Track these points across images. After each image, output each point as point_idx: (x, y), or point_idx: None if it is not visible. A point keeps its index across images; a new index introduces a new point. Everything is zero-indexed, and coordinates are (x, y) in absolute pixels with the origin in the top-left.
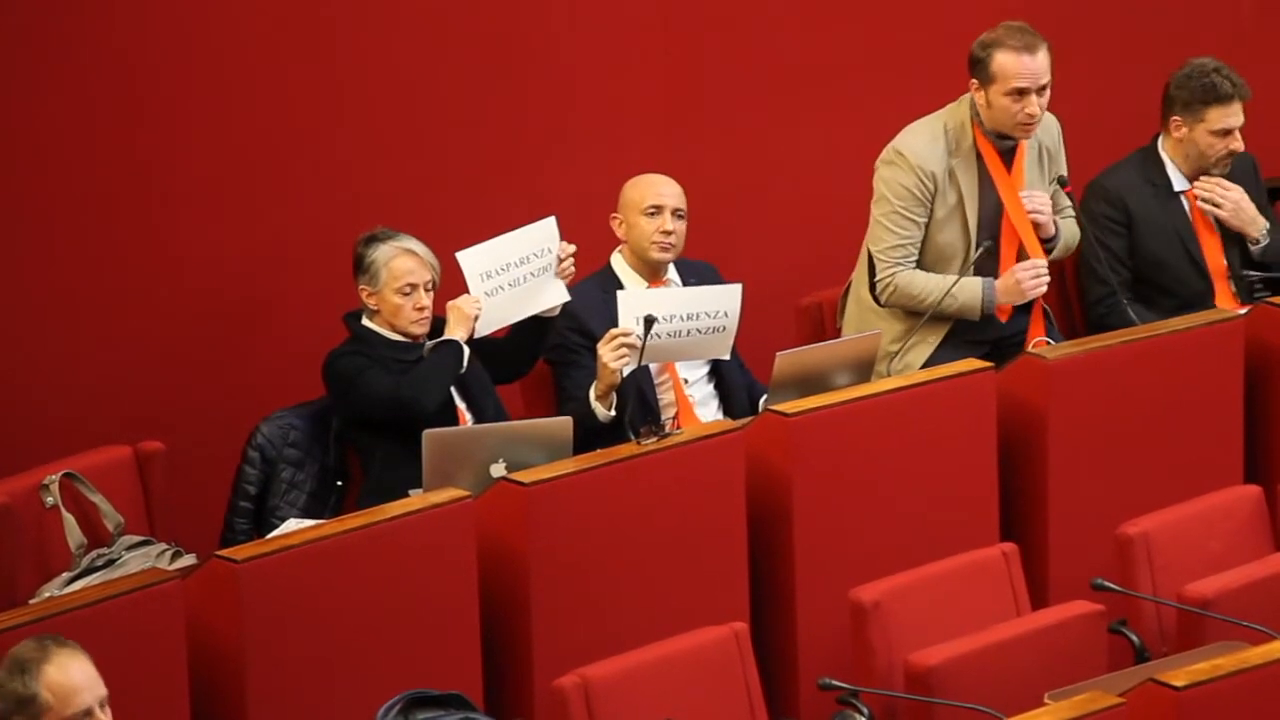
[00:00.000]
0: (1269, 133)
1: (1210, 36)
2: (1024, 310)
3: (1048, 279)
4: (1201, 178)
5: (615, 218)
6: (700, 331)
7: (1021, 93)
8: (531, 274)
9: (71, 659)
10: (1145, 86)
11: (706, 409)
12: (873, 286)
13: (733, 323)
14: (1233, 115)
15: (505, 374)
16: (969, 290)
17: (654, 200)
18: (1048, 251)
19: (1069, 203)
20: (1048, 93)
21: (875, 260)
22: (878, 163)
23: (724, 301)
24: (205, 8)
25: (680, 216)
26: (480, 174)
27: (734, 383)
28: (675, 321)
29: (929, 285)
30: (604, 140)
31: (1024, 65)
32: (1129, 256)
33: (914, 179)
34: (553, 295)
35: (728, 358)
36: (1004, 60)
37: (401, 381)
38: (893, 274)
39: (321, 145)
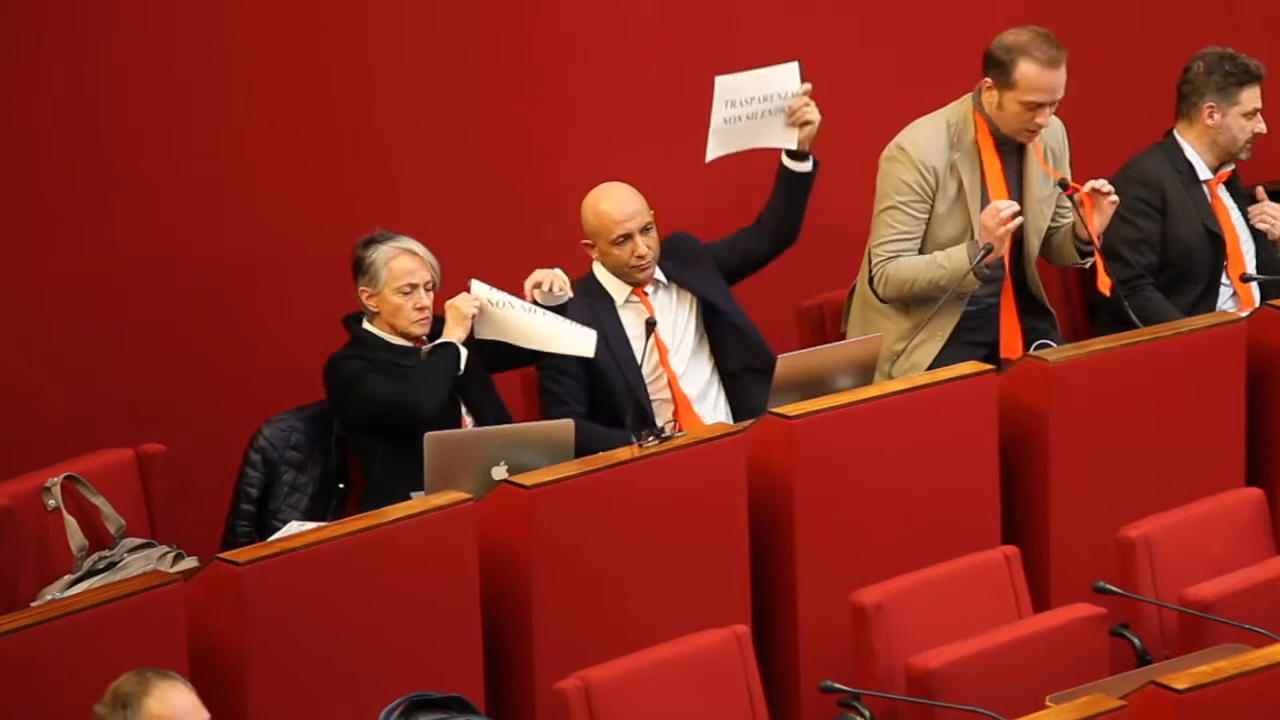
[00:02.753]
0: (1270, 135)
1: (1209, 38)
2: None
3: (1016, 208)
4: (1257, 208)
5: (586, 244)
6: (771, 113)
7: (1039, 106)
8: (557, 312)
9: (172, 689)
10: (1144, 87)
11: (715, 414)
12: (872, 283)
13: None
14: (1259, 96)
15: (502, 365)
16: (956, 256)
17: (620, 231)
18: (1087, 255)
19: (1070, 205)
20: (1058, 104)
21: (871, 256)
22: (881, 160)
23: (786, 82)
24: (204, 12)
25: (648, 229)
26: (482, 176)
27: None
28: (754, 104)
29: (916, 265)
30: (605, 142)
31: (1046, 80)
32: (1160, 242)
33: (915, 174)
34: (578, 344)
35: (794, 146)
36: (1028, 71)
37: (399, 386)
38: (883, 266)
39: (323, 148)
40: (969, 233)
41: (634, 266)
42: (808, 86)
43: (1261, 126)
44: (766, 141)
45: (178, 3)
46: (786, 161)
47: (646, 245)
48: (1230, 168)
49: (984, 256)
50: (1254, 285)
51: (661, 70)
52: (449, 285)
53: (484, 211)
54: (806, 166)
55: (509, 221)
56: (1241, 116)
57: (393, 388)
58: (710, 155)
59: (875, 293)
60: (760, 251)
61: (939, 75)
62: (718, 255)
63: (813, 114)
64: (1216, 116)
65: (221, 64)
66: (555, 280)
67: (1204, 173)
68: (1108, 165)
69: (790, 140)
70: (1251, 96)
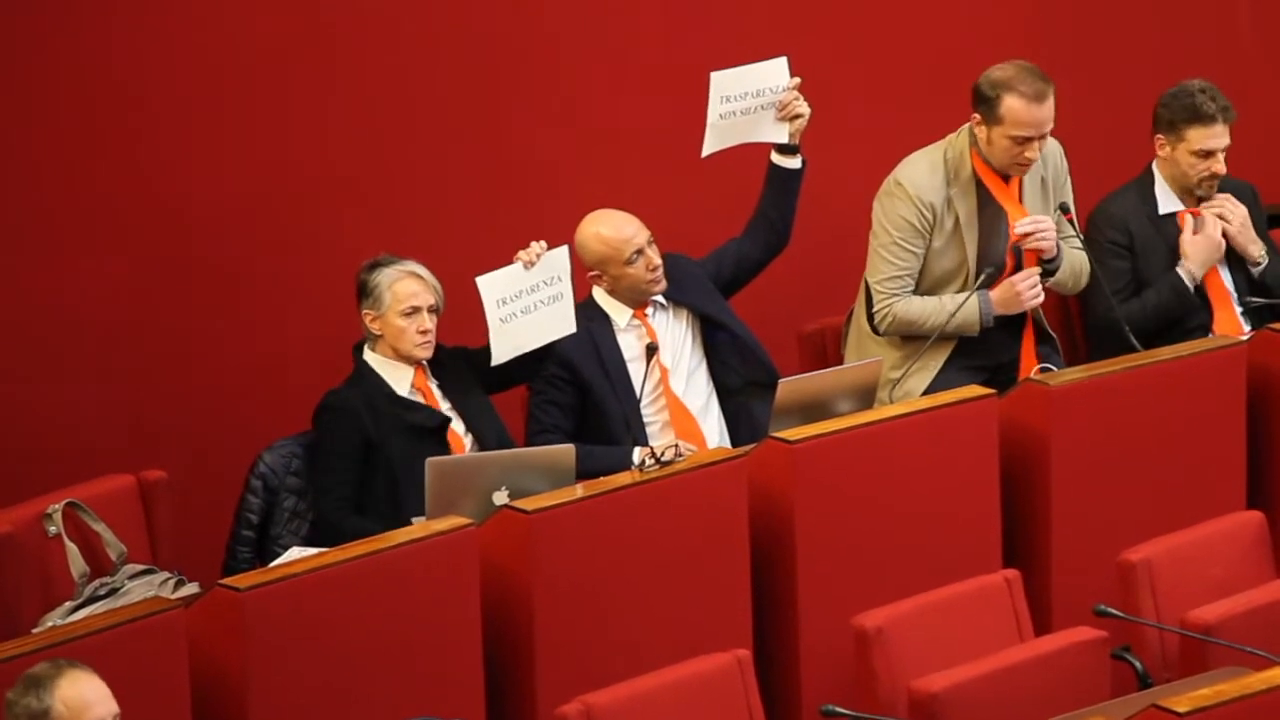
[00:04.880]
0: (1269, 157)
1: (1209, 60)
2: (1020, 333)
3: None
4: (1217, 195)
5: (594, 275)
6: (763, 108)
7: (1026, 140)
8: (541, 302)
9: (84, 676)
10: (1144, 111)
11: (712, 432)
12: (870, 316)
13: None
14: (1214, 137)
15: (498, 384)
16: (968, 310)
17: (632, 249)
18: (1050, 274)
19: (1073, 231)
20: (1048, 136)
21: (872, 291)
22: (878, 194)
23: (776, 76)
24: (205, 37)
25: (652, 241)
26: (484, 198)
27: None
28: (748, 99)
29: (926, 309)
30: (607, 163)
31: (1032, 114)
32: (1132, 281)
33: (913, 210)
34: (560, 326)
35: (785, 140)
36: (1013, 106)
37: (334, 511)
38: (889, 304)
39: (327, 172)
40: (965, 265)
41: (651, 280)
42: (797, 80)
43: (1218, 168)
44: (759, 136)
45: (178, 21)
46: (775, 159)
47: (656, 255)
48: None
49: (987, 277)
50: (1242, 315)
51: (665, 93)
52: (454, 304)
53: (487, 232)
54: (796, 163)
55: (512, 243)
56: (1190, 155)
57: (332, 504)
58: (706, 151)
59: (874, 327)
60: (754, 256)
61: (938, 103)
62: (710, 270)
63: (802, 107)
64: (1167, 150)
65: (229, 94)
66: (535, 249)
67: (1166, 206)
68: (1100, 192)
69: (781, 134)
70: (1200, 136)
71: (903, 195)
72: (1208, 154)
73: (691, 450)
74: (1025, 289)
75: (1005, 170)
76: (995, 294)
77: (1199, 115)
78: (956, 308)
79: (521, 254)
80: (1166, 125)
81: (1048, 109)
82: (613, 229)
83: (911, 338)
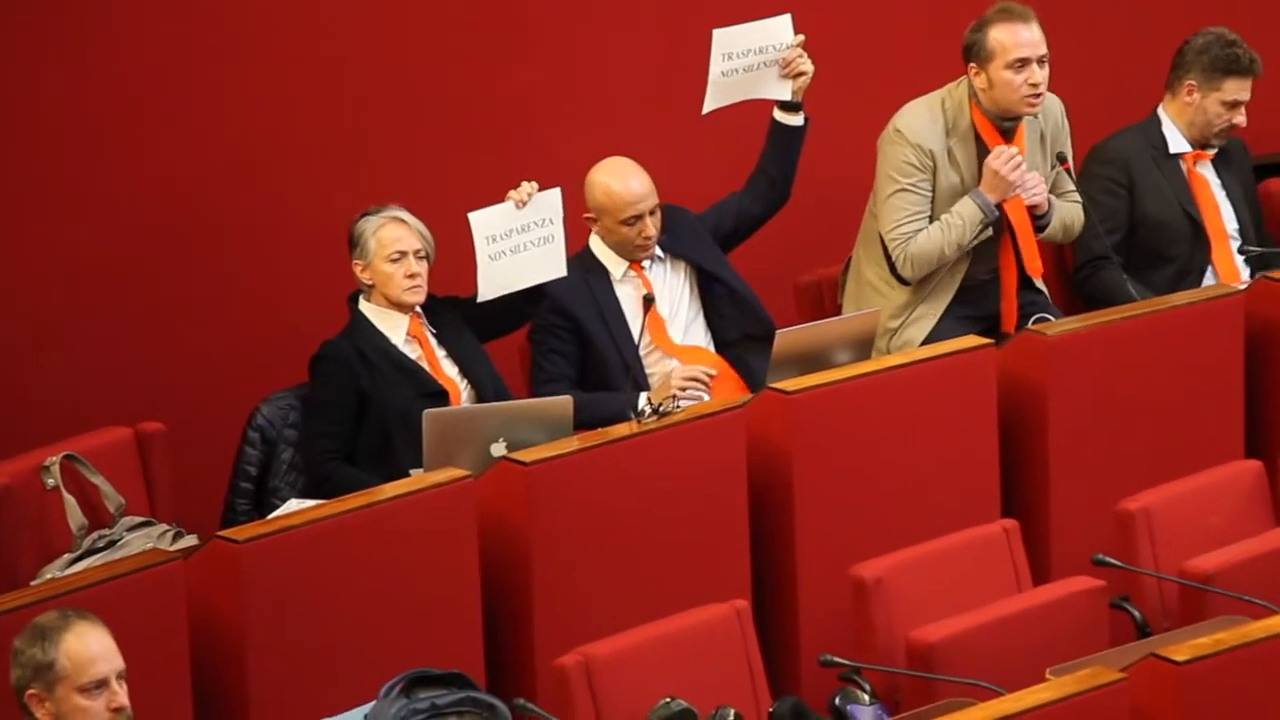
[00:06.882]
0: (1264, 109)
1: (1208, 12)
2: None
3: (1022, 161)
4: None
5: (589, 218)
6: (766, 65)
7: (1023, 63)
8: (532, 243)
9: (91, 629)
10: (1142, 62)
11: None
12: (892, 268)
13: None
14: (1245, 89)
15: (487, 333)
16: (966, 209)
17: (631, 212)
18: (1041, 229)
19: (1070, 185)
20: (1048, 66)
21: (887, 242)
22: (879, 143)
23: (780, 33)
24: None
25: (655, 210)
26: (483, 150)
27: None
28: (750, 56)
29: (933, 235)
30: (604, 116)
31: (1020, 35)
32: (1126, 221)
33: (913, 152)
34: (551, 269)
35: (789, 97)
36: (999, 34)
37: (322, 461)
38: (903, 248)
39: (321, 125)
40: None
41: (639, 246)
42: (801, 38)
43: (1240, 120)
44: (762, 93)
45: None
46: (778, 115)
47: (654, 226)
48: (1212, 150)
49: (983, 229)
50: (1242, 263)
51: (661, 45)
52: (449, 258)
53: (484, 186)
54: (798, 120)
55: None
56: (1220, 104)
57: (319, 454)
58: (707, 107)
59: (901, 278)
60: (754, 211)
61: (935, 54)
62: (710, 223)
63: (806, 65)
64: (1195, 96)
65: (221, 45)
66: (526, 189)
67: (1177, 146)
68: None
69: (784, 91)
70: (1236, 88)
71: (901, 141)
72: (1236, 105)
73: (710, 373)
74: (1004, 165)
75: (1016, 109)
76: (983, 184)
77: (1238, 67)
78: (958, 218)
79: (513, 193)
80: (1201, 72)
81: (1035, 31)
82: (622, 187)
83: (909, 288)
